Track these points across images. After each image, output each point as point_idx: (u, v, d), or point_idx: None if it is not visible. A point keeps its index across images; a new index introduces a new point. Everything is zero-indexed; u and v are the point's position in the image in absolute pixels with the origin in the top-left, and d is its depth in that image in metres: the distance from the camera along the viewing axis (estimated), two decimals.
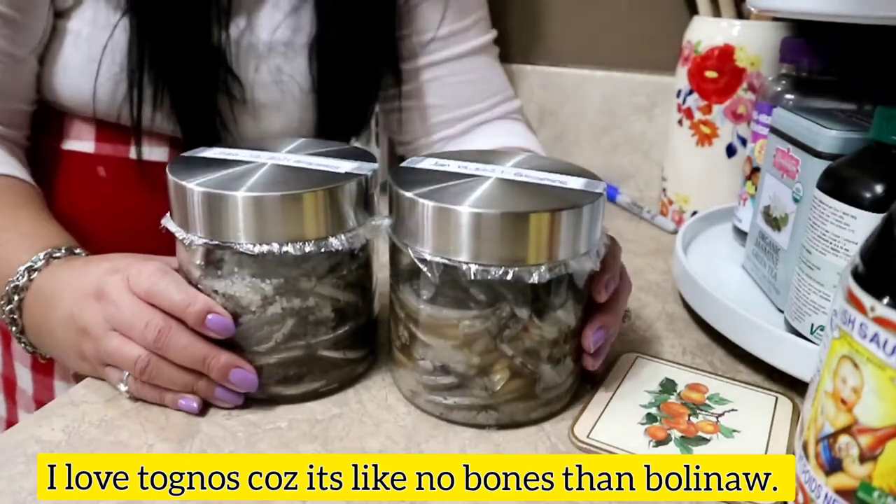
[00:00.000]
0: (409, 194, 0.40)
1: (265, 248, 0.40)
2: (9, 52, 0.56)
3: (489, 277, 0.38)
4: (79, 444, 0.40)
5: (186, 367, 0.42)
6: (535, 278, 0.38)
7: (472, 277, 0.38)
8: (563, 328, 0.42)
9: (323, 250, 0.41)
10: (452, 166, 0.44)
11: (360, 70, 0.69)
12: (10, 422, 0.74)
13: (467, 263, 0.38)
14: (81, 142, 0.63)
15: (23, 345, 0.49)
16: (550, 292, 0.40)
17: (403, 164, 0.45)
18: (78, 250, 0.49)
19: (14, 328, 0.48)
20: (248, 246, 0.40)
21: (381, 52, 0.71)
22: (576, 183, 0.42)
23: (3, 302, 0.48)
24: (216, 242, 0.41)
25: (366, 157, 0.46)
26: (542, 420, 0.44)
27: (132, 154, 0.63)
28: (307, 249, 0.41)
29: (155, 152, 0.63)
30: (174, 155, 0.63)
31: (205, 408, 0.43)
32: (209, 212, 0.40)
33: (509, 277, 0.38)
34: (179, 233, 0.42)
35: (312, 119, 0.69)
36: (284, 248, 0.40)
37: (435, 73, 0.76)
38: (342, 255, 0.43)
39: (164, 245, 0.45)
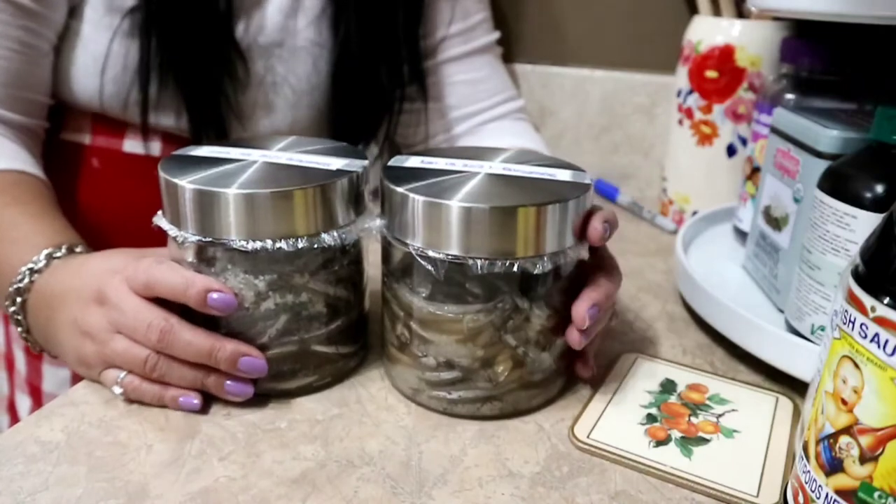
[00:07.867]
0: (400, 189, 0.40)
1: (258, 244, 0.40)
2: (30, 43, 0.57)
3: (495, 271, 0.39)
4: (78, 445, 0.40)
5: (194, 363, 0.42)
6: (539, 269, 0.39)
7: (479, 272, 0.39)
8: (555, 313, 0.42)
9: (315, 246, 0.41)
10: (440, 163, 0.45)
11: (378, 77, 0.69)
12: (11, 401, 0.74)
13: (473, 258, 0.39)
14: (79, 133, 0.64)
15: (30, 344, 0.50)
16: (543, 280, 0.41)
17: (392, 161, 0.46)
18: (79, 248, 0.49)
19: (20, 328, 0.49)
20: (241, 243, 0.40)
21: (407, 54, 0.71)
22: (563, 176, 0.43)
23: (7, 303, 0.48)
24: (208, 239, 0.41)
25: (356, 154, 0.47)
26: (542, 406, 0.44)
27: (125, 147, 0.64)
28: (300, 245, 0.41)
29: (148, 147, 0.64)
30: (167, 151, 0.64)
31: (204, 407, 0.43)
32: (201, 209, 0.40)
33: (515, 270, 0.39)
34: (171, 230, 0.42)
35: (308, 120, 0.69)
36: (278, 245, 0.40)
37: (440, 73, 0.76)
38: (334, 250, 0.43)
39: (155, 239, 0.45)
